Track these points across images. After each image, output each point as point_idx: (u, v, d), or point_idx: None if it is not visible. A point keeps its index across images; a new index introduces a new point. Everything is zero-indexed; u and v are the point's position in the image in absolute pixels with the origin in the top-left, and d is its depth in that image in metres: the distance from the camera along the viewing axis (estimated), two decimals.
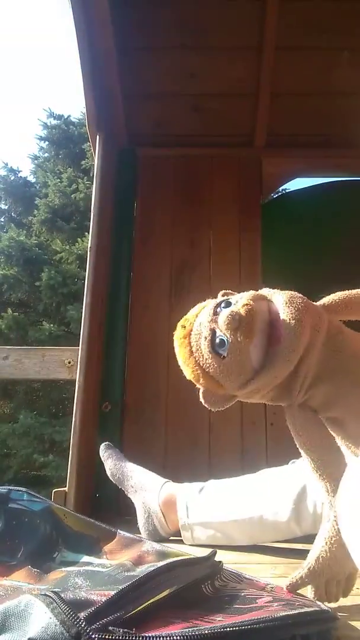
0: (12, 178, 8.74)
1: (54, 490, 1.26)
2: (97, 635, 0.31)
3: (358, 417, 0.62)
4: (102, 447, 1.16)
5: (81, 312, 1.44)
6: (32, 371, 1.42)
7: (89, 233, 1.54)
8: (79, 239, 7.13)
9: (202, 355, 0.64)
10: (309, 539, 0.94)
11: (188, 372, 0.68)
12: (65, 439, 5.59)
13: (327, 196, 2.19)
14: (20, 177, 8.86)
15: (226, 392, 0.66)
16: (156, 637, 0.36)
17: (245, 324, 0.62)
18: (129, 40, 1.63)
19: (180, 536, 1.02)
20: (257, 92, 1.74)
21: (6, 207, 8.83)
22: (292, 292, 0.67)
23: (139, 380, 1.61)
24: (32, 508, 0.69)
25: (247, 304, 0.63)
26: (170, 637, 0.36)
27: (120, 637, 0.33)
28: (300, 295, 0.67)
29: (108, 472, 1.12)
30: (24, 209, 8.57)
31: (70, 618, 0.32)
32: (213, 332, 0.64)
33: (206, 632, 0.38)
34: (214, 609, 0.47)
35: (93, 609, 0.37)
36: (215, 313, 0.65)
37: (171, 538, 1.04)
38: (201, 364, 0.64)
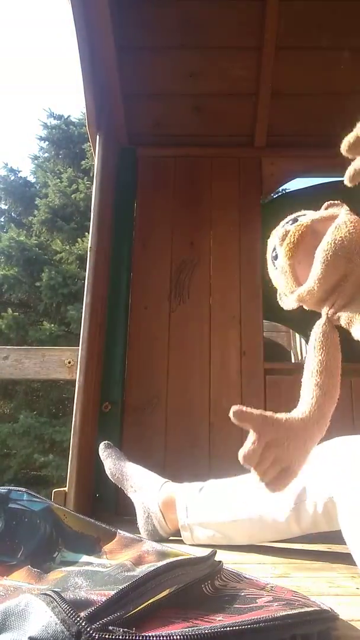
0: (12, 178, 8.73)
1: (54, 490, 1.26)
2: (97, 635, 0.31)
3: None
4: (101, 446, 1.15)
5: (81, 312, 1.44)
6: (32, 371, 1.42)
7: (89, 233, 1.54)
8: (79, 239, 7.13)
9: (269, 267, 0.82)
10: (309, 539, 0.94)
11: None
12: (65, 439, 5.59)
13: (327, 196, 2.18)
14: (20, 177, 8.86)
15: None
16: (156, 637, 0.36)
17: (290, 244, 0.74)
18: (129, 40, 1.63)
19: (180, 536, 1.02)
20: (257, 92, 1.74)
21: (6, 207, 8.83)
22: (351, 218, 0.74)
23: (139, 380, 1.61)
24: (32, 508, 0.69)
25: (302, 225, 0.76)
26: (170, 636, 0.36)
27: (121, 637, 0.33)
28: (349, 211, 0.78)
29: (107, 472, 1.12)
30: (24, 209, 8.56)
31: (71, 617, 0.32)
32: (273, 247, 0.79)
33: (206, 631, 0.38)
34: (214, 608, 0.47)
35: (93, 608, 0.37)
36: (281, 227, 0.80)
37: (171, 538, 1.04)
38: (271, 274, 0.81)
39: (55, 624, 0.31)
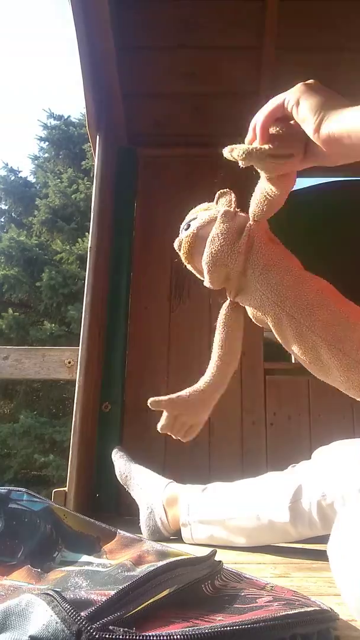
0: (12, 178, 8.74)
1: (54, 490, 1.26)
2: (98, 634, 0.31)
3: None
4: (114, 450, 1.21)
5: (81, 312, 1.44)
6: (33, 371, 1.42)
7: (89, 233, 1.54)
8: (79, 239, 7.14)
9: None
10: (308, 539, 0.94)
11: None
12: (65, 439, 5.60)
13: (327, 196, 2.19)
14: (21, 177, 8.87)
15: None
16: (157, 637, 0.36)
17: (184, 253, 0.90)
18: (128, 40, 1.63)
19: (181, 536, 1.02)
20: (257, 92, 1.74)
21: (6, 208, 8.83)
22: (222, 227, 0.83)
23: (139, 380, 1.61)
24: (32, 508, 0.69)
25: (189, 234, 0.89)
26: (170, 636, 0.36)
27: (121, 636, 0.33)
28: (223, 215, 0.87)
29: (117, 472, 1.16)
30: (24, 209, 8.57)
31: (72, 616, 0.32)
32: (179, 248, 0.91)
33: (206, 631, 0.38)
34: (214, 608, 0.47)
35: (94, 608, 0.37)
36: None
37: (171, 538, 1.04)
38: None
39: (56, 622, 0.31)
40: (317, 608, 0.48)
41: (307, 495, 0.90)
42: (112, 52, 1.53)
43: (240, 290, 0.86)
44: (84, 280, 1.48)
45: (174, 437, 0.93)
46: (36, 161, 9.05)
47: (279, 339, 0.82)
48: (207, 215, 0.93)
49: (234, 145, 0.74)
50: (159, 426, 0.91)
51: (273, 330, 0.81)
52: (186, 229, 0.91)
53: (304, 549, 0.96)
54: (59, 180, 7.99)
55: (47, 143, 8.96)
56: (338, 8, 1.60)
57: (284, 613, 0.42)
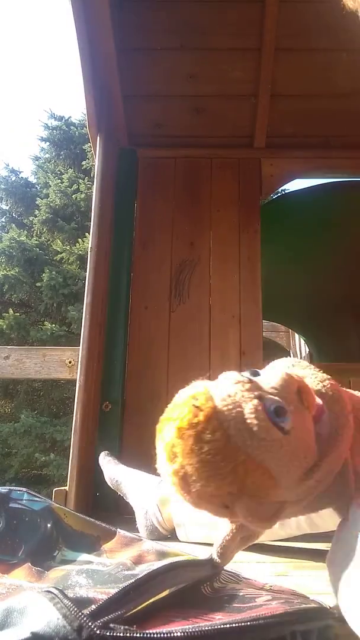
0: (13, 179, 8.75)
1: (54, 490, 1.26)
2: (100, 631, 0.31)
3: None
4: (101, 455, 1.19)
5: (82, 313, 1.45)
6: (33, 371, 1.42)
7: (89, 233, 1.55)
8: (79, 240, 7.14)
9: (250, 437, 0.40)
10: (307, 538, 0.94)
11: (223, 472, 0.40)
12: (66, 438, 5.60)
13: (327, 197, 2.19)
14: (22, 177, 8.88)
15: (277, 495, 0.43)
16: (157, 634, 0.36)
17: (305, 388, 0.45)
18: (129, 41, 1.64)
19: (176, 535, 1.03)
20: (256, 93, 1.74)
21: (7, 208, 8.84)
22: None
23: (139, 380, 1.62)
24: (33, 507, 0.69)
25: (289, 374, 0.47)
26: (170, 634, 0.36)
27: (122, 634, 0.34)
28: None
29: (106, 477, 1.15)
30: (25, 209, 8.57)
31: (73, 613, 0.32)
32: (262, 400, 0.42)
33: (206, 629, 0.38)
34: (213, 608, 0.47)
35: (94, 606, 0.37)
36: (251, 381, 0.45)
37: (169, 536, 1.05)
38: (249, 453, 0.40)
39: (58, 619, 0.32)
40: (317, 606, 0.48)
41: None
42: (113, 54, 1.53)
43: None
44: (85, 280, 1.48)
45: None
46: (37, 161, 9.05)
47: None
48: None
49: None
50: None
51: None
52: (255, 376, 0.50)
53: (303, 547, 0.97)
54: (59, 180, 7.99)
55: (47, 143, 8.96)
56: (338, 9, 1.60)
57: (283, 611, 0.42)
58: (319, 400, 0.47)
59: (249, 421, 0.39)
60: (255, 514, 0.41)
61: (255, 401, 0.40)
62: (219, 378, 0.45)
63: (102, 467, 1.16)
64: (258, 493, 0.40)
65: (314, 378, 0.49)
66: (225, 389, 0.42)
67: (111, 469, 1.14)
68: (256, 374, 0.46)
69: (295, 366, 0.51)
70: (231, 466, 0.38)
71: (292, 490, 0.43)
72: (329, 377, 0.50)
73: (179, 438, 0.39)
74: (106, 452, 1.20)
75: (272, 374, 0.44)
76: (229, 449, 0.38)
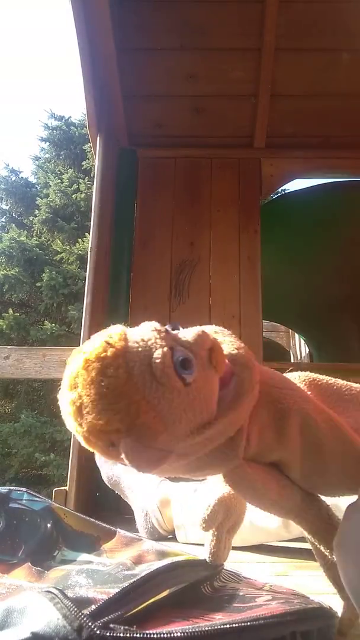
0: (13, 179, 8.75)
1: (55, 489, 1.26)
2: (100, 631, 0.31)
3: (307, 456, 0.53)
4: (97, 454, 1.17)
5: (82, 312, 1.45)
6: (33, 371, 1.42)
7: (89, 233, 1.55)
8: (79, 239, 7.14)
9: (150, 380, 0.40)
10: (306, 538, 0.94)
11: (116, 407, 0.40)
12: (66, 438, 5.60)
13: (327, 197, 2.19)
14: (22, 177, 8.88)
15: (164, 442, 0.43)
16: (157, 634, 0.36)
17: (217, 348, 0.45)
18: (129, 41, 1.64)
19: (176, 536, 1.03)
20: (256, 93, 1.74)
21: (7, 208, 8.84)
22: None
23: None
24: (33, 507, 0.69)
25: (205, 332, 0.47)
26: (170, 634, 0.36)
27: (122, 634, 0.34)
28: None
29: (104, 477, 1.13)
30: (25, 209, 8.58)
31: (73, 613, 0.32)
32: (172, 350, 0.42)
33: (206, 629, 0.38)
34: (213, 608, 0.47)
35: (95, 606, 0.37)
36: (167, 332, 0.45)
37: (169, 536, 1.05)
38: (145, 395, 0.40)
39: (58, 619, 0.32)
40: (317, 606, 0.48)
41: None
42: (113, 54, 1.53)
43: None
44: (84, 280, 1.48)
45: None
46: (37, 162, 9.05)
47: None
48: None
49: None
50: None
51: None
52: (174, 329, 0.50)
53: (303, 547, 0.97)
54: (59, 180, 7.99)
55: (47, 143, 8.96)
56: (337, 9, 1.60)
57: (283, 611, 0.42)
58: (231, 367, 0.48)
59: (153, 365, 0.40)
60: (139, 457, 0.42)
61: (165, 349, 0.41)
62: (140, 325, 0.46)
63: (99, 466, 1.15)
64: (145, 435, 0.40)
65: (231, 345, 0.50)
66: (141, 333, 0.43)
67: (108, 468, 1.13)
68: (176, 328, 0.46)
69: (218, 333, 0.53)
70: (125, 403, 0.39)
71: (180, 441, 0.43)
72: (246, 347, 0.51)
73: (84, 369, 0.40)
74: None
75: (189, 331, 0.45)
76: (128, 387, 0.39)
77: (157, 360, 0.40)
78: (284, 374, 0.57)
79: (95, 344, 0.42)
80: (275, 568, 0.84)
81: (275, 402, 0.51)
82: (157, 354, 0.40)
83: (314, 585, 0.73)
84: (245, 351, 0.50)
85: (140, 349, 0.41)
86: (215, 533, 0.60)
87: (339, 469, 0.53)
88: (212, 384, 0.44)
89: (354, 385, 0.58)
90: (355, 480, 0.52)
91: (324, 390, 0.57)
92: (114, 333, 0.43)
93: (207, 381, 0.44)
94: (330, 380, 0.59)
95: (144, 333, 0.43)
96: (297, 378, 0.58)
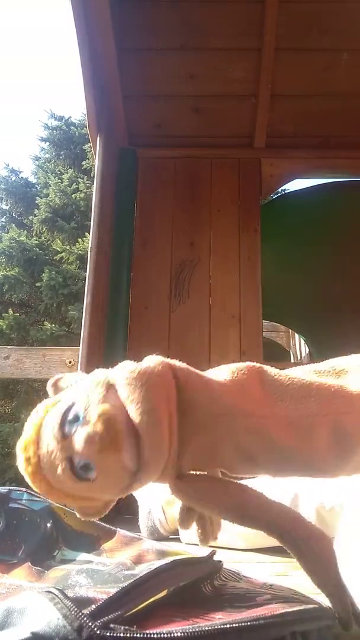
0: (13, 179, 8.75)
1: None
2: (100, 631, 0.31)
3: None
4: None
5: (82, 313, 1.45)
6: (33, 371, 1.42)
7: (89, 233, 1.55)
8: (79, 239, 7.14)
9: (66, 486, 0.48)
10: None
11: (56, 501, 0.54)
12: None
13: (326, 197, 2.19)
14: (22, 177, 8.88)
15: (105, 501, 0.52)
16: (157, 634, 0.36)
17: (109, 443, 0.47)
18: (129, 42, 1.64)
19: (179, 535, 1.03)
20: (256, 94, 1.75)
21: (7, 208, 8.84)
22: (128, 368, 0.51)
23: None
24: (33, 507, 0.69)
25: (102, 414, 0.48)
26: (170, 634, 0.36)
27: (122, 634, 0.34)
28: (140, 368, 0.51)
29: None
30: (24, 209, 8.58)
31: (73, 612, 0.32)
32: (71, 461, 0.47)
33: (206, 629, 0.38)
34: (213, 607, 0.47)
35: (95, 606, 0.37)
36: (64, 435, 0.48)
37: (171, 537, 1.05)
38: (69, 493, 0.49)
39: (58, 619, 0.32)
40: (317, 606, 0.48)
41: (305, 504, 0.90)
42: (113, 54, 1.53)
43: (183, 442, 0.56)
44: (84, 280, 1.48)
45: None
46: (37, 162, 9.06)
47: None
48: (92, 392, 0.55)
49: None
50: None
51: None
52: (73, 421, 0.50)
53: None
54: (59, 180, 8.00)
55: (47, 143, 8.97)
56: (337, 9, 1.60)
57: (283, 611, 0.42)
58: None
59: (61, 479, 0.47)
60: (92, 510, 0.51)
61: (64, 463, 0.47)
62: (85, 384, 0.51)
63: None
64: (85, 505, 0.50)
65: (132, 401, 0.49)
66: (45, 443, 0.48)
67: None
68: (76, 419, 0.48)
69: (123, 379, 0.51)
70: (62, 499, 0.49)
71: (116, 497, 0.50)
72: (141, 373, 0.49)
73: (23, 472, 0.49)
74: None
75: (81, 433, 0.47)
76: (55, 493, 0.48)
77: (61, 475, 0.47)
78: (226, 367, 0.54)
79: (20, 457, 0.49)
80: (275, 568, 0.84)
81: (207, 431, 0.51)
82: (60, 469, 0.47)
83: (313, 585, 0.73)
84: (140, 406, 0.48)
85: (48, 465, 0.48)
86: (199, 521, 0.62)
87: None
88: (116, 469, 0.47)
89: (315, 380, 0.53)
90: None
91: (271, 387, 0.53)
92: (27, 442, 0.49)
93: (112, 469, 0.46)
94: (281, 376, 0.54)
95: (48, 442, 0.48)
96: (243, 371, 0.54)
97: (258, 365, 0.54)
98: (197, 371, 0.54)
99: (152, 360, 0.51)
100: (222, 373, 0.54)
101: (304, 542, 0.48)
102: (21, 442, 0.50)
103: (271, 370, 0.54)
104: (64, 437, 0.47)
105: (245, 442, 0.51)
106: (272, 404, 0.51)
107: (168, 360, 0.51)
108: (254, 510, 0.51)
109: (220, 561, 0.60)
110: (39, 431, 0.50)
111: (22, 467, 0.50)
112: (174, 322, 1.69)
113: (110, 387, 0.51)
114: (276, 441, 0.50)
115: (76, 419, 0.47)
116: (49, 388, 0.54)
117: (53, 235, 7.80)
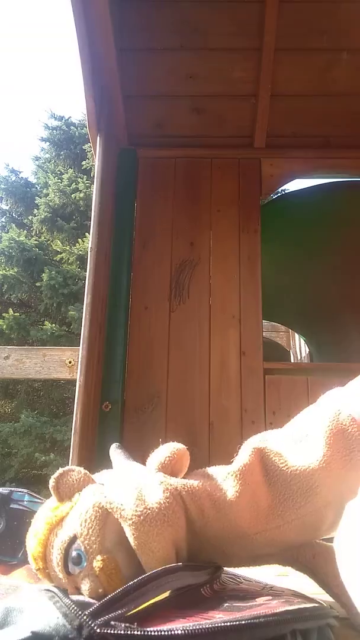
0: (13, 179, 8.75)
1: None
2: (100, 629, 0.31)
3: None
4: (112, 447, 1.18)
5: (82, 313, 1.45)
6: (33, 371, 1.42)
7: (89, 233, 1.55)
8: (79, 239, 7.15)
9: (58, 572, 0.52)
10: None
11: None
12: (66, 438, 5.61)
13: (326, 197, 2.20)
14: (22, 177, 8.88)
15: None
16: (158, 632, 0.36)
17: (112, 588, 0.47)
18: (129, 41, 1.64)
19: None
20: (256, 94, 1.75)
21: (7, 208, 8.84)
22: (132, 507, 0.49)
23: (139, 380, 1.62)
24: (33, 508, 0.70)
25: (103, 568, 0.48)
26: (171, 631, 0.36)
27: (122, 632, 0.34)
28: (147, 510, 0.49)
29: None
30: (24, 209, 8.58)
31: (73, 611, 0.32)
32: (67, 552, 0.49)
33: (207, 626, 0.38)
34: (213, 607, 0.47)
35: (95, 606, 0.37)
36: (69, 573, 0.49)
37: None
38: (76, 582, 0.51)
39: (57, 617, 0.32)
40: (317, 604, 0.48)
41: None
42: (113, 53, 1.53)
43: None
44: (84, 280, 1.48)
45: None
46: (37, 162, 9.06)
47: None
48: (90, 521, 0.53)
49: None
50: None
51: None
52: (76, 565, 0.50)
53: None
54: (59, 180, 8.00)
55: (48, 143, 8.97)
56: (337, 9, 1.60)
57: (283, 609, 0.42)
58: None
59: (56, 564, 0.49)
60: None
61: (72, 589, 0.49)
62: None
63: (112, 459, 1.16)
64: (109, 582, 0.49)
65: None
66: (53, 570, 0.50)
67: (121, 462, 1.14)
68: (79, 561, 0.49)
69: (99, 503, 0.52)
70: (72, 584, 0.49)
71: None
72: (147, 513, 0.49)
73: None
74: (117, 444, 1.20)
75: (86, 584, 0.49)
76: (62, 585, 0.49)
77: (70, 591, 0.48)
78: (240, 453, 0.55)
79: (32, 564, 0.52)
80: (275, 568, 0.84)
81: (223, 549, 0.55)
82: (69, 589, 0.49)
83: (313, 585, 0.73)
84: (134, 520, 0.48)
85: (57, 582, 0.50)
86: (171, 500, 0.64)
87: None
88: (122, 583, 0.47)
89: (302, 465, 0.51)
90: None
91: (271, 472, 0.54)
92: (36, 554, 0.52)
93: (117, 587, 0.45)
94: (281, 461, 0.53)
95: (55, 571, 0.50)
96: (248, 453, 0.55)
97: (259, 453, 0.55)
98: (207, 490, 0.54)
99: (158, 497, 0.50)
100: (228, 483, 0.55)
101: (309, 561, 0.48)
102: (30, 550, 0.52)
103: (271, 455, 0.55)
104: (69, 574, 0.49)
105: (259, 550, 0.55)
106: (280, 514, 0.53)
107: (181, 490, 0.52)
108: None
109: (220, 567, 0.60)
110: (44, 551, 0.51)
111: (35, 570, 0.53)
112: (174, 322, 1.69)
113: (107, 517, 0.50)
114: (288, 542, 0.53)
115: (79, 561, 0.48)
116: (52, 490, 0.54)
117: (53, 235, 7.80)
